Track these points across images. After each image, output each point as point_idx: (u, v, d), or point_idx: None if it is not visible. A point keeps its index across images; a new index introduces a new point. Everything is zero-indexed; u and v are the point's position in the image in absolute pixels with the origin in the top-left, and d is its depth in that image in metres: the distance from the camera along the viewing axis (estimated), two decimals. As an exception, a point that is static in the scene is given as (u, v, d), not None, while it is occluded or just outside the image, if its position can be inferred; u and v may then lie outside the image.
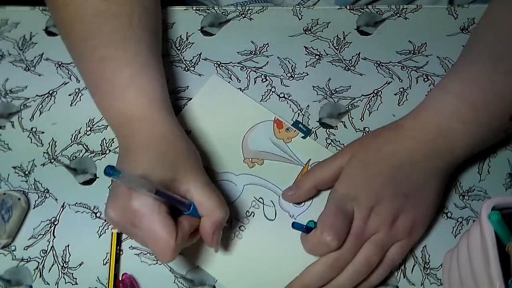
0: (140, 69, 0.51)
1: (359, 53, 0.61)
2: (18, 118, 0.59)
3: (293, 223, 0.49)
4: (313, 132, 0.56)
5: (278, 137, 0.56)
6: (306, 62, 0.60)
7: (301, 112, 0.58)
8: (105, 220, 0.54)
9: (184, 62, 0.61)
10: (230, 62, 0.61)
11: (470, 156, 0.52)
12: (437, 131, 0.49)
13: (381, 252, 0.49)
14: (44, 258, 0.53)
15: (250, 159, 0.55)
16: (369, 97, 0.58)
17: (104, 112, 0.53)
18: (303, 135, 0.56)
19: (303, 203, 0.53)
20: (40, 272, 0.52)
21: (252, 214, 0.53)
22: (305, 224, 0.50)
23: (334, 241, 0.46)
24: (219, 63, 0.61)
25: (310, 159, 0.55)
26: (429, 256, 0.52)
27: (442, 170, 0.50)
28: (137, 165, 0.45)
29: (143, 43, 0.53)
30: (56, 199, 0.55)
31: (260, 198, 0.54)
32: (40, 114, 0.59)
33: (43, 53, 0.62)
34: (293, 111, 0.58)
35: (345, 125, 0.57)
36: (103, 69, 0.51)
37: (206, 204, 0.46)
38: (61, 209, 0.55)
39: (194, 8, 0.64)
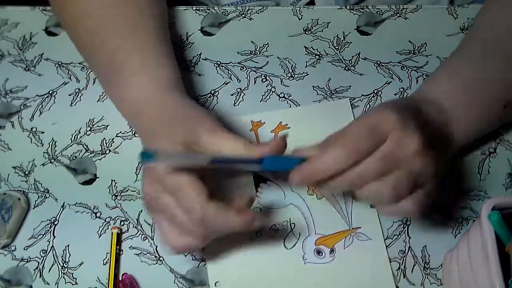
0: (150, 55, 0.51)
1: (359, 53, 0.61)
2: (18, 118, 0.59)
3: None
4: None
5: None
6: (306, 62, 0.60)
7: (301, 112, 0.58)
8: (105, 220, 0.54)
9: (184, 62, 0.61)
10: (230, 62, 0.61)
11: (466, 145, 0.52)
12: (438, 110, 0.48)
13: (411, 186, 0.43)
14: (44, 258, 0.53)
15: (314, 187, 0.54)
16: (369, 97, 0.58)
17: (118, 102, 0.53)
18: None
19: (323, 255, 0.52)
20: (40, 272, 0.52)
21: (276, 230, 0.53)
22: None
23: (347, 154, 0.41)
24: (219, 63, 0.61)
25: (359, 227, 0.53)
26: (429, 256, 0.52)
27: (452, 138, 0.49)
28: (159, 143, 0.44)
29: (153, 31, 0.53)
30: (56, 199, 0.55)
31: (293, 223, 0.53)
32: (40, 114, 0.59)
33: (43, 53, 0.62)
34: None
35: (345, 125, 0.57)
36: (113, 61, 0.51)
37: (240, 146, 0.44)
38: (61, 209, 0.55)
39: (194, 8, 0.64)
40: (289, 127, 0.57)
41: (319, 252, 0.52)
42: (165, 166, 0.42)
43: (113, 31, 0.52)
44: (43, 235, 0.54)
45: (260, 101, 0.59)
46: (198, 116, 0.46)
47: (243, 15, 0.63)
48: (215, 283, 0.51)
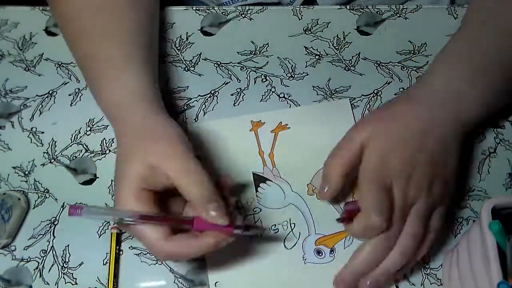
0: (124, 65, 0.51)
1: (359, 53, 0.61)
2: (18, 118, 0.59)
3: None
4: None
5: (353, 195, 0.54)
6: (306, 62, 0.60)
7: (301, 112, 0.58)
8: (104, 220, 0.54)
9: (184, 62, 0.61)
10: (230, 62, 0.61)
11: (482, 122, 0.52)
12: (448, 96, 0.49)
13: (424, 224, 0.48)
14: (44, 258, 0.53)
15: (314, 187, 0.54)
16: (369, 97, 0.58)
17: (100, 105, 0.53)
18: None
19: (323, 255, 0.52)
20: (40, 272, 0.52)
21: (277, 230, 0.53)
22: None
23: (383, 222, 0.45)
24: (219, 63, 0.61)
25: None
26: (429, 256, 0.52)
27: (459, 132, 0.50)
28: (117, 175, 0.46)
29: (132, 38, 0.53)
30: (56, 199, 0.55)
31: (293, 223, 0.53)
32: (40, 114, 0.59)
33: (43, 53, 0.62)
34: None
35: (345, 125, 0.57)
36: (92, 65, 0.52)
37: (186, 184, 0.43)
38: (61, 209, 0.55)
39: (194, 8, 0.64)
40: (289, 127, 0.57)
41: (319, 252, 0.52)
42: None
43: (93, 36, 0.52)
44: (43, 235, 0.54)
45: (260, 101, 0.59)
46: (155, 142, 0.46)
47: (243, 15, 0.63)
48: (215, 283, 0.51)
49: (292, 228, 0.53)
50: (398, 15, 0.62)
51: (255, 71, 0.60)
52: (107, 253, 0.52)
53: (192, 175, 0.44)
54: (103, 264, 0.52)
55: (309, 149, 0.56)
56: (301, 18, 0.63)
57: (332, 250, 0.52)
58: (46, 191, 0.56)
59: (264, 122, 0.57)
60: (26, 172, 0.56)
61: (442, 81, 0.50)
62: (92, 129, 0.58)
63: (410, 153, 0.48)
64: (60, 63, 0.62)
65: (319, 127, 0.57)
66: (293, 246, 0.52)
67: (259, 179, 0.55)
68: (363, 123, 0.50)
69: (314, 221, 0.53)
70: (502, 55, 0.50)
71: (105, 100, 0.51)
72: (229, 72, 0.60)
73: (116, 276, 0.51)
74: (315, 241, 0.52)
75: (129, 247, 0.53)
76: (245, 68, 0.60)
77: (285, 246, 0.52)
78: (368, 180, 0.47)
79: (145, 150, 0.45)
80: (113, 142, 0.57)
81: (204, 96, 0.59)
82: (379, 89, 0.59)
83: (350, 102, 0.58)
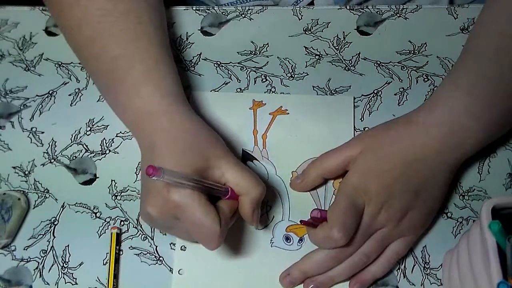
0: (153, 65, 0.51)
1: (359, 53, 0.61)
2: (18, 118, 0.59)
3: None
4: None
5: (334, 184, 0.54)
6: (306, 62, 0.60)
7: (301, 112, 0.58)
8: (105, 220, 0.54)
9: (184, 62, 0.61)
10: (230, 62, 0.61)
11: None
12: (450, 128, 0.49)
13: (382, 247, 0.49)
14: (44, 258, 0.53)
15: (298, 174, 0.55)
16: (369, 97, 0.58)
17: (119, 111, 0.53)
18: None
19: (291, 242, 0.52)
20: (40, 272, 0.52)
21: None
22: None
23: (343, 239, 0.46)
24: (219, 63, 0.61)
25: None
26: (429, 256, 0.52)
27: (450, 166, 0.50)
28: (166, 161, 0.45)
29: (154, 40, 0.53)
30: (56, 199, 0.55)
31: (270, 206, 0.53)
32: (40, 114, 0.59)
33: (43, 53, 0.62)
34: (293, 111, 0.58)
35: (345, 125, 0.57)
36: (115, 68, 0.51)
37: (242, 184, 0.47)
38: (61, 209, 0.55)
39: (194, 8, 0.64)
40: (288, 113, 0.57)
41: (287, 238, 0.52)
42: (167, 186, 0.44)
43: (112, 39, 0.51)
44: (43, 235, 0.54)
45: (260, 101, 0.59)
46: (209, 141, 0.48)
47: (243, 15, 0.63)
48: (179, 271, 0.51)
49: (267, 210, 0.53)
50: (398, 15, 0.62)
51: (255, 71, 0.60)
52: (107, 253, 0.52)
53: (251, 176, 0.47)
54: (103, 264, 0.52)
55: (302, 137, 0.56)
56: (301, 18, 0.63)
57: (301, 239, 0.52)
58: (46, 191, 0.56)
59: (265, 103, 0.58)
60: (26, 172, 0.56)
61: (446, 112, 0.49)
62: (92, 129, 0.58)
63: (390, 182, 0.48)
64: (60, 63, 0.62)
65: (317, 119, 0.57)
66: (263, 228, 0.53)
67: (247, 157, 0.56)
68: (359, 138, 0.52)
69: (291, 208, 0.53)
70: (508, 89, 0.49)
71: (134, 103, 0.50)
72: (229, 72, 0.60)
73: (116, 276, 0.51)
74: (286, 228, 0.53)
75: (129, 247, 0.53)
76: (245, 68, 0.60)
77: (256, 226, 0.53)
78: (343, 194, 0.48)
79: (193, 150, 0.47)
80: (113, 142, 0.57)
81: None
82: (379, 89, 0.59)
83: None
